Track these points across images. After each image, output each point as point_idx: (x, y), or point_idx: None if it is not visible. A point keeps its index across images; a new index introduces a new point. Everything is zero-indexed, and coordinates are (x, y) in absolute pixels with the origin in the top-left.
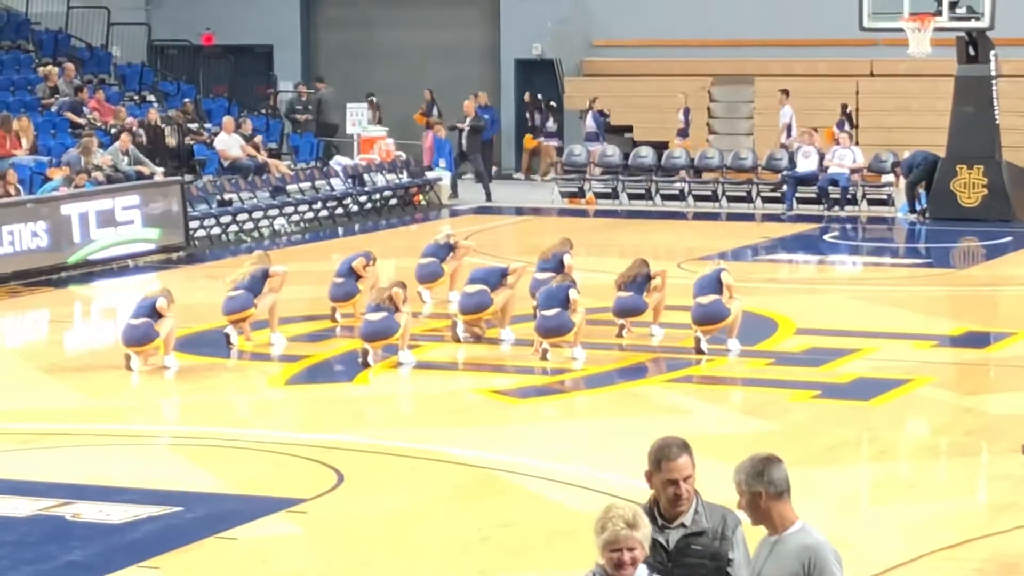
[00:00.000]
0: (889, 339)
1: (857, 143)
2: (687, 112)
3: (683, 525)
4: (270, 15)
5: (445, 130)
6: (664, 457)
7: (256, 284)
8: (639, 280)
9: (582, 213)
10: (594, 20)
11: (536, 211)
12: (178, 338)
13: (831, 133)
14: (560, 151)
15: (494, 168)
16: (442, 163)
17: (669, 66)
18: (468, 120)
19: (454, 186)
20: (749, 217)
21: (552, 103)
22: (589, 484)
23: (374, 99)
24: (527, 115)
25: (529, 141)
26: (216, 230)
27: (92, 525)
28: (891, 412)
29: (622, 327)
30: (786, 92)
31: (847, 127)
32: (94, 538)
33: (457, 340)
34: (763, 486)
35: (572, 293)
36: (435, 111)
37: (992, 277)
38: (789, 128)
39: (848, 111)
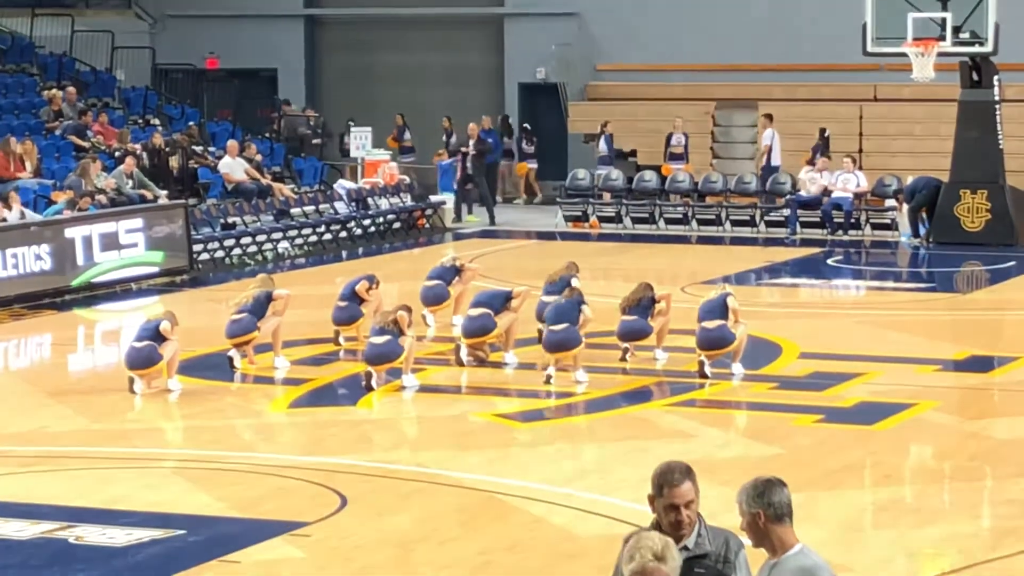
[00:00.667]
0: (892, 363)
1: (861, 168)
2: (685, 137)
3: (686, 548)
4: (274, 39)
5: (447, 154)
6: (667, 483)
7: (259, 307)
8: (643, 304)
9: (586, 237)
10: (598, 45)
11: (540, 235)
12: (181, 361)
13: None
14: (536, 173)
15: (498, 192)
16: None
17: (672, 90)
18: (472, 143)
19: (458, 210)
20: (752, 241)
21: (526, 126)
22: (592, 508)
23: (402, 116)
24: (522, 141)
25: (522, 168)
26: (220, 253)
27: (95, 548)
28: (895, 436)
29: (626, 351)
30: (769, 116)
31: (824, 152)
32: (97, 561)
33: (460, 364)
34: (762, 507)
35: (585, 310)
36: (407, 135)
37: (996, 302)
38: (770, 151)
39: (826, 135)
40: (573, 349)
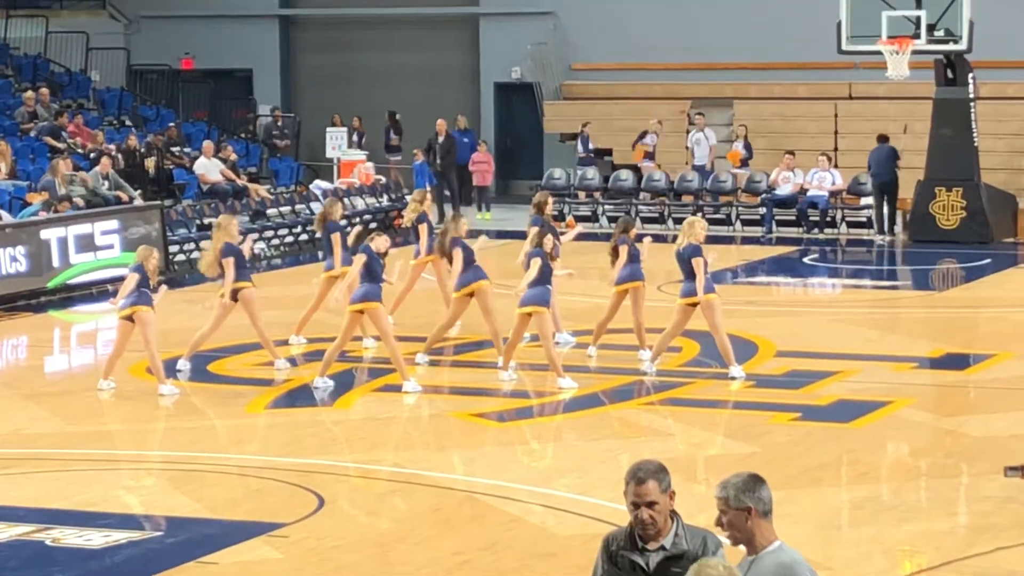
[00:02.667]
0: (869, 361)
1: (836, 166)
2: (655, 135)
3: (663, 548)
4: (249, 39)
5: (422, 154)
6: (632, 479)
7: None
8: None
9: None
10: (573, 44)
11: (515, 234)
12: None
13: (737, 154)
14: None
15: (474, 191)
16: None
17: (648, 89)
18: (440, 139)
19: (441, 211)
20: (729, 240)
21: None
22: (570, 507)
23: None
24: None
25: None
26: (196, 255)
27: (72, 550)
28: (871, 434)
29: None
30: (701, 114)
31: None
32: (74, 563)
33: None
34: (753, 503)
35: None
36: (392, 135)
37: (971, 299)
38: (653, 154)
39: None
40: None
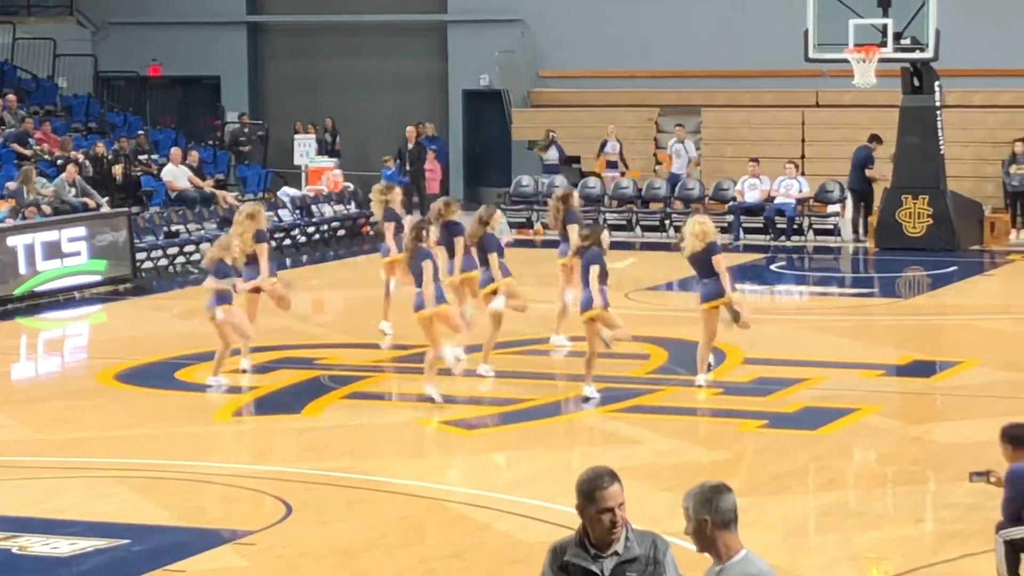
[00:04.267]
0: (836, 368)
1: (803, 173)
2: (620, 144)
3: (616, 553)
4: (217, 46)
5: (393, 161)
6: (597, 487)
7: None
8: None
9: (530, 244)
10: (541, 51)
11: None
12: (124, 370)
13: (665, 157)
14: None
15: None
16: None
17: (616, 97)
18: (410, 146)
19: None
20: None
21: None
22: (537, 514)
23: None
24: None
25: None
26: (163, 262)
27: (39, 558)
28: (838, 441)
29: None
30: (681, 125)
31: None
32: (41, 571)
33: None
34: (710, 514)
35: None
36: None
37: (938, 306)
38: (616, 162)
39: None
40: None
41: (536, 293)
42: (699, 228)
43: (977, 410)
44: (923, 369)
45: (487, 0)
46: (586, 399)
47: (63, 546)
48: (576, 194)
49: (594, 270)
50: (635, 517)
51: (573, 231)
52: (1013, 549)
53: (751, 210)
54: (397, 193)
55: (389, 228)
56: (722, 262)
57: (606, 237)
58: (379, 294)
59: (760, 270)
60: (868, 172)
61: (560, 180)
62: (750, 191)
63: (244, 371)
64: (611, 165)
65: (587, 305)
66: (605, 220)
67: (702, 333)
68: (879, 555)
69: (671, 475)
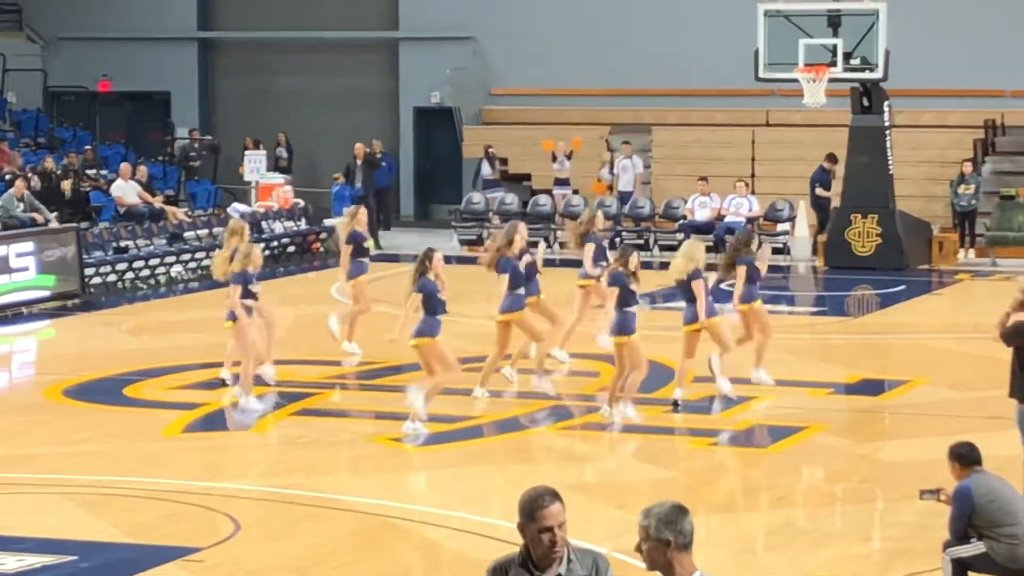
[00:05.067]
0: (785, 387)
1: (753, 192)
2: (565, 160)
3: (559, 574)
4: (167, 61)
5: (342, 176)
6: (537, 507)
7: None
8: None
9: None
10: (492, 69)
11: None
12: (72, 386)
13: (601, 187)
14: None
15: (393, 215)
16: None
17: (567, 115)
18: (359, 163)
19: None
20: (647, 265)
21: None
22: (487, 532)
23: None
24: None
25: None
26: (112, 277)
27: None
28: (787, 459)
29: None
30: (627, 142)
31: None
32: None
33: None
34: (673, 536)
35: None
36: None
37: (886, 325)
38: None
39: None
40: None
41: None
42: (687, 252)
43: (925, 429)
44: (872, 388)
45: (439, 17)
46: (609, 422)
47: (10, 562)
48: (600, 216)
49: (613, 291)
50: (587, 534)
51: (588, 252)
52: (960, 567)
53: (701, 228)
54: (363, 215)
55: (347, 250)
56: (702, 288)
57: (635, 259)
58: (329, 311)
59: (710, 289)
60: (817, 192)
61: (511, 197)
62: (700, 209)
63: (224, 382)
64: (560, 183)
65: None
66: (557, 238)
67: (682, 352)
68: (828, 573)
69: (622, 493)
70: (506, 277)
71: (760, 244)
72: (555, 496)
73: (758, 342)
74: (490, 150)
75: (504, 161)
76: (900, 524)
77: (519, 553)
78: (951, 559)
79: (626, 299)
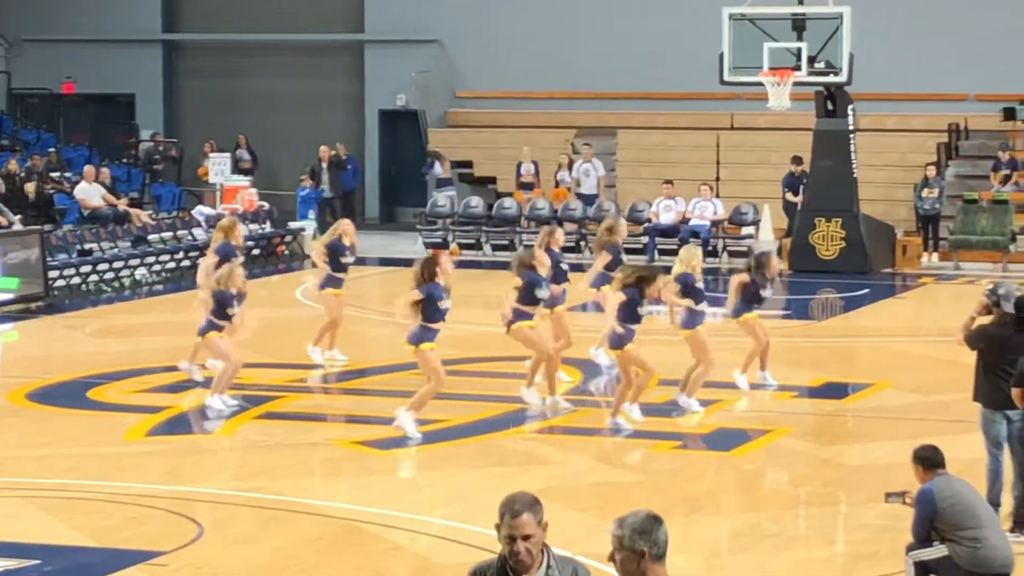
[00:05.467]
0: (750, 390)
1: (718, 195)
2: (535, 165)
3: None
4: (132, 64)
5: (308, 179)
6: (508, 512)
7: None
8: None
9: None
10: (457, 72)
11: (399, 262)
12: (36, 389)
13: (564, 193)
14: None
15: (357, 218)
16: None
17: (533, 118)
18: (324, 165)
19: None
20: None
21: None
22: (452, 535)
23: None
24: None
25: None
26: (76, 280)
27: None
28: (752, 463)
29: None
30: (588, 144)
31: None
32: None
33: None
34: (647, 546)
35: None
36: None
37: (850, 329)
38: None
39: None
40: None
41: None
42: (682, 257)
43: (889, 432)
44: (835, 391)
45: (404, 20)
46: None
47: None
48: (623, 223)
49: (616, 300)
50: (552, 538)
51: (601, 260)
52: (923, 570)
53: (666, 232)
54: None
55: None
56: (670, 292)
57: (698, 258)
58: (295, 314)
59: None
60: (787, 197)
61: (476, 200)
62: (665, 212)
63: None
64: (525, 186)
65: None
66: (521, 241)
67: (693, 355)
68: None
69: (586, 496)
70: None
71: (764, 264)
72: (530, 506)
73: (752, 350)
74: (435, 149)
75: (469, 164)
76: (863, 527)
77: (499, 557)
78: (914, 562)
79: (694, 297)
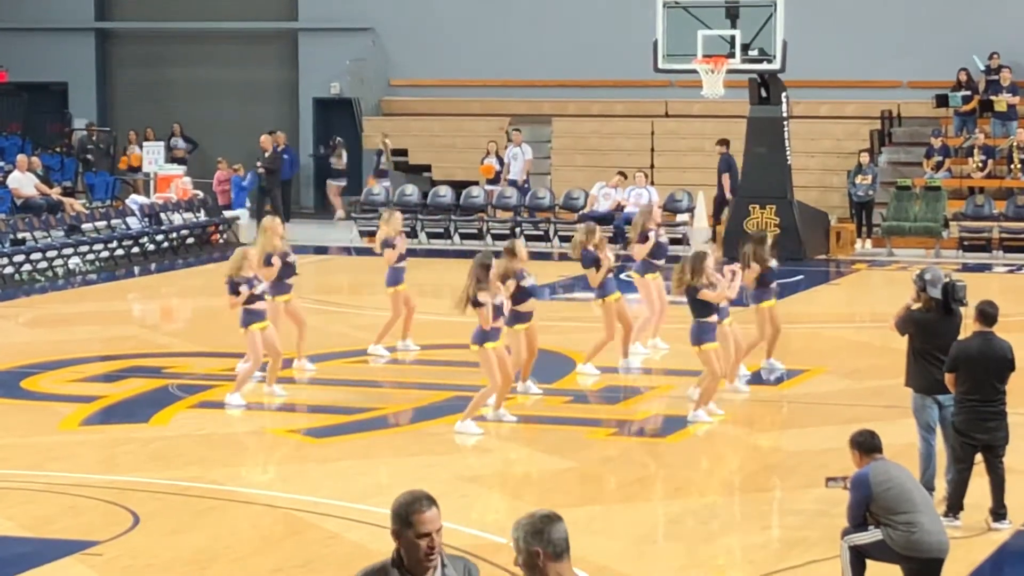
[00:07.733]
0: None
1: (652, 183)
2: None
3: None
4: (65, 52)
5: (244, 168)
6: (415, 511)
7: None
8: None
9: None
10: (392, 60)
11: (334, 250)
12: None
13: (490, 169)
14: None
15: (292, 207)
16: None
17: (468, 106)
18: (266, 156)
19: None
20: (547, 256)
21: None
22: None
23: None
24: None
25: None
26: (9, 269)
27: None
28: (686, 449)
29: None
30: (518, 130)
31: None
32: None
33: None
34: (541, 546)
35: None
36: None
37: (784, 315)
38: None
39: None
40: None
41: (386, 303)
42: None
43: (823, 418)
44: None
45: (338, 8)
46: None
47: None
48: (657, 211)
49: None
50: (483, 525)
51: (644, 249)
52: (858, 555)
53: (601, 219)
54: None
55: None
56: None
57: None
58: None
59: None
60: (724, 180)
61: (411, 188)
62: (604, 200)
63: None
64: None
65: None
66: (457, 229)
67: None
68: (726, 562)
69: (521, 483)
70: (592, 270)
71: (774, 243)
72: (432, 501)
73: (756, 340)
74: (385, 140)
75: (404, 152)
76: (798, 512)
77: (391, 559)
78: (848, 546)
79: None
